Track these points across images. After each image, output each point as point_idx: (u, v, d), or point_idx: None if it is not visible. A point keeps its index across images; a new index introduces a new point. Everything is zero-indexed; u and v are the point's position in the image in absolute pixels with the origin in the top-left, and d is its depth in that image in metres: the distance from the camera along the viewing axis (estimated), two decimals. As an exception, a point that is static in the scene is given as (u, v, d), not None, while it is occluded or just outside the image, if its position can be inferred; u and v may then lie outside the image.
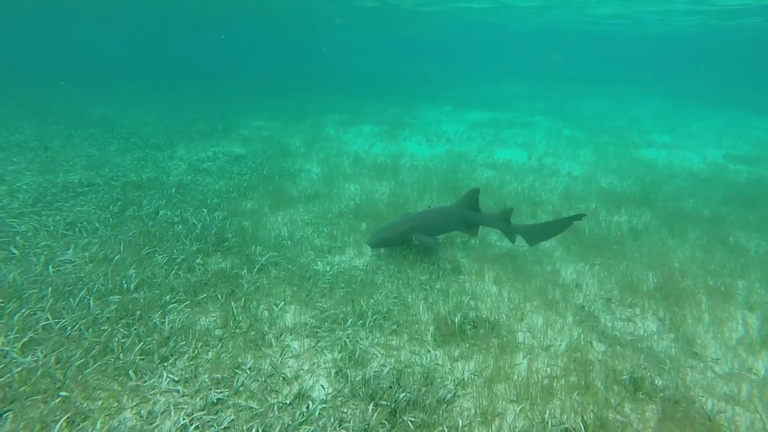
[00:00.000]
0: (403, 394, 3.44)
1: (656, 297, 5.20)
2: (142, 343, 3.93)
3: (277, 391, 3.55)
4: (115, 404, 3.34)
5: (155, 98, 20.33)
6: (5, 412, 3.15)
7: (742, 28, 30.20)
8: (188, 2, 29.08)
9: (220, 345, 4.03)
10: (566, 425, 3.33)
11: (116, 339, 3.96)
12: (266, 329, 4.31)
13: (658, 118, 20.73)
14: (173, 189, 8.17)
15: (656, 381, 3.79)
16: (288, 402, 3.44)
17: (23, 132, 11.98)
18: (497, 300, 5.05)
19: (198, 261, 5.52)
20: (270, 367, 3.79)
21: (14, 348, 3.75)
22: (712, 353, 4.31)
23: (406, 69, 46.86)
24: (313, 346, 4.12)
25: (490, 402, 3.51)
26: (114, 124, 13.80)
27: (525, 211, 7.96)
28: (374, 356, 4.02)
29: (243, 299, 4.76)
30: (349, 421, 3.26)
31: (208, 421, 3.21)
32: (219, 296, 4.80)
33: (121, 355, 3.78)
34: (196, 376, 3.64)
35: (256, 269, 5.40)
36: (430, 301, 4.94)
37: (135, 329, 4.10)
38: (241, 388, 3.53)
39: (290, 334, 4.29)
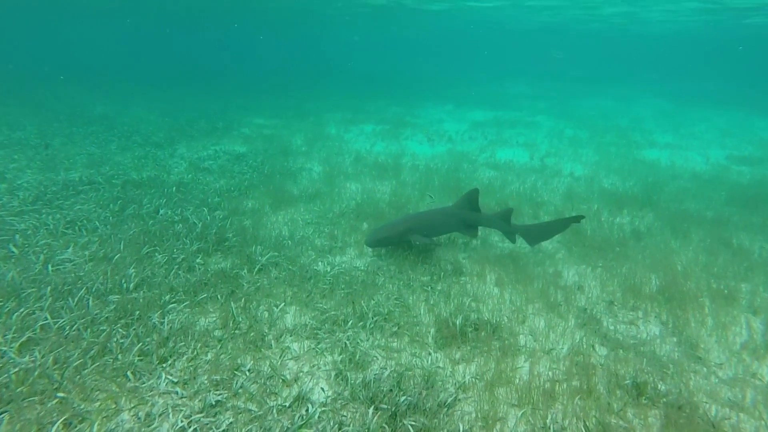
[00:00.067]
0: (404, 398, 3.41)
1: (659, 300, 5.15)
2: (140, 343, 3.90)
3: (276, 394, 3.52)
4: (113, 406, 3.32)
5: (156, 96, 20.31)
6: (1, 414, 3.13)
7: (747, 27, 30.03)
8: (189, 0, 29.05)
9: (219, 346, 4.00)
10: (568, 430, 3.30)
11: (115, 339, 3.93)
12: (266, 330, 4.28)
13: (660, 117, 20.67)
14: (174, 188, 8.14)
15: (659, 386, 3.76)
16: (287, 404, 3.40)
17: (24, 129, 11.97)
18: (499, 302, 5.01)
19: (198, 260, 5.49)
20: (269, 369, 3.76)
21: (12, 348, 3.72)
22: (716, 358, 4.26)
23: (407, 67, 46.83)
24: (313, 348, 4.08)
25: (492, 406, 3.48)
26: (115, 122, 13.79)
27: (527, 211, 7.91)
28: (375, 358, 3.99)
29: (243, 300, 4.72)
30: (349, 425, 3.23)
31: (207, 424, 3.18)
32: (219, 296, 4.77)
33: (119, 356, 3.75)
34: (194, 378, 3.61)
35: (256, 269, 5.37)
36: (432, 302, 4.91)
37: (134, 329, 4.07)
38: (240, 390, 3.50)
39: (290, 336, 4.26)
